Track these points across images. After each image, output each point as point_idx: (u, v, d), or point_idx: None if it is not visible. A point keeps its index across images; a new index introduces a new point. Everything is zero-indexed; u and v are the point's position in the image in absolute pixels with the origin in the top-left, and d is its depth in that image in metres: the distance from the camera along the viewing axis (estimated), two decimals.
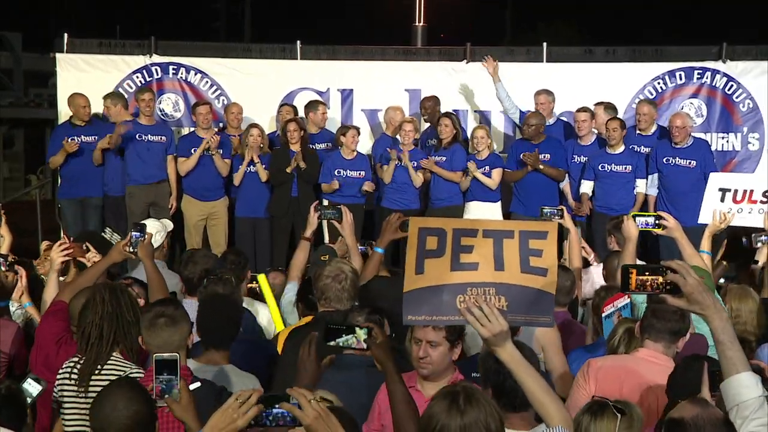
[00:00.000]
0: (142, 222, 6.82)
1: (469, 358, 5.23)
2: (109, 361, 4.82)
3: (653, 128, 10.89)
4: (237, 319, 5.41)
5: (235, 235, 11.07)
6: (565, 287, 6.18)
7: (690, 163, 10.32)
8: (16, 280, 6.43)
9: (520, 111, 11.12)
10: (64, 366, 4.87)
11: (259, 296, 7.29)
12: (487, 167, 10.67)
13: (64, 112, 11.85)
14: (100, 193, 11.16)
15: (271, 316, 6.83)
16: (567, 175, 10.86)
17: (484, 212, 10.64)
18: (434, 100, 11.40)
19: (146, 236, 6.17)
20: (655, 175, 10.46)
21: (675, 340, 4.78)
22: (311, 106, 11.37)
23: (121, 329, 4.88)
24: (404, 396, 3.83)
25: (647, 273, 3.28)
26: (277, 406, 3.03)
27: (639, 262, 6.25)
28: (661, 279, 3.25)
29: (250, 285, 7.40)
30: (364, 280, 6.45)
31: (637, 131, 10.93)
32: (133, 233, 6.13)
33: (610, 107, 11.01)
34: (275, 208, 10.90)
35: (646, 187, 10.50)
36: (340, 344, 3.82)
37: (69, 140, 10.78)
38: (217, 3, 34.43)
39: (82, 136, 11.05)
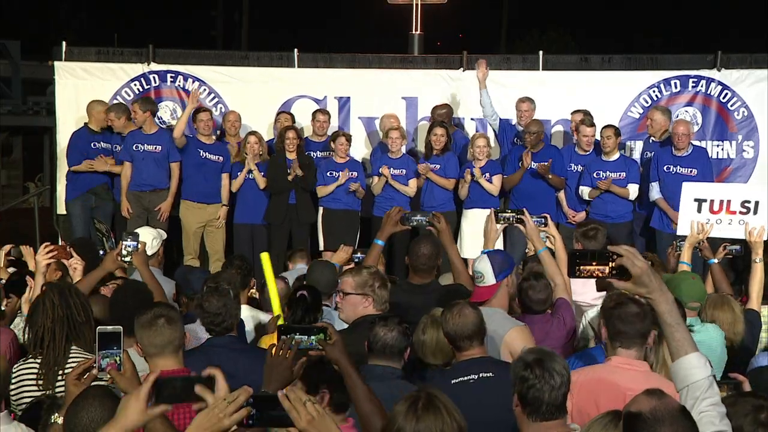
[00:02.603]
0: (135, 231, 6.88)
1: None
2: (71, 356, 4.96)
3: (665, 135, 10.87)
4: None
5: (234, 241, 11.11)
6: (540, 300, 6.18)
7: (691, 171, 10.33)
8: (18, 305, 6.47)
9: (500, 119, 11.20)
10: (18, 370, 4.98)
11: (260, 305, 7.30)
12: (487, 174, 10.73)
13: (62, 120, 11.93)
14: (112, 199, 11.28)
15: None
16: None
17: (482, 219, 10.65)
18: (448, 109, 11.43)
19: (140, 245, 6.25)
20: (657, 183, 10.51)
21: (645, 341, 4.79)
22: (313, 114, 11.46)
23: (73, 330, 5.03)
24: (366, 394, 3.82)
25: (594, 262, 3.29)
26: (278, 408, 2.95)
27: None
28: (608, 266, 3.27)
29: (251, 293, 7.42)
30: None
31: (651, 139, 10.99)
32: (126, 242, 6.19)
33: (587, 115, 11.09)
34: (272, 215, 10.94)
35: (637, 191, 10.56)
36: (293, 344, 3.87)
37: (103, 157, 11.09)
38: (215, 11, 34.48)
39: (101, 143, 11.19)
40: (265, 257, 6.78)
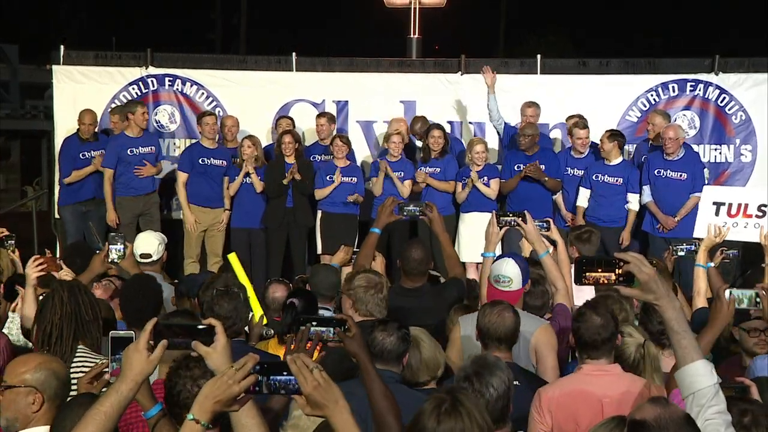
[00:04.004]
0: (121, 233, 6.90)
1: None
2: (76, 356, 4.97)
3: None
4: (157, 299, 5.92)
5: (231, 246, 11.10)
6: (535, 306, 6.18)
7: (681, 175, 10.35)
8: (6, 309, 6.49)
9: (505, 123, 11.20)
10: None
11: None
12: (485, 177, 10.74)
13: (60, 124, 11.95)
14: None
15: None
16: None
17: (480, 223, 10.66)
18: (423, 120, 11.41)
19: (128, 247, 6.26)
20: (648, 187, 10.52)
21: (612, 347, 4.83)
22: (316, 118, 11.47)
23: (81, 328, 5.04)
24: (382, 390, 3.82)
25: (600, 269, 3.30)
26: (285, 373, 2.96)
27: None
28: (615, 273, 3.27)
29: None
30: (362, 259, 6.56)
31: (650, 142, 10.99)
32: (114, 245, 6.19)
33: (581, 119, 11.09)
34: (270, 219, 10.94)
35: (638, 202, 10.53)
36: (312, 334, 3.85)
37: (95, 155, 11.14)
38: (213, 14, 34.47)
39: (92, 151, 11.21)
40: (233, 258, 6.79)
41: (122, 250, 6.23)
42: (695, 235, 8.28)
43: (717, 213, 8.30)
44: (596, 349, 4.75)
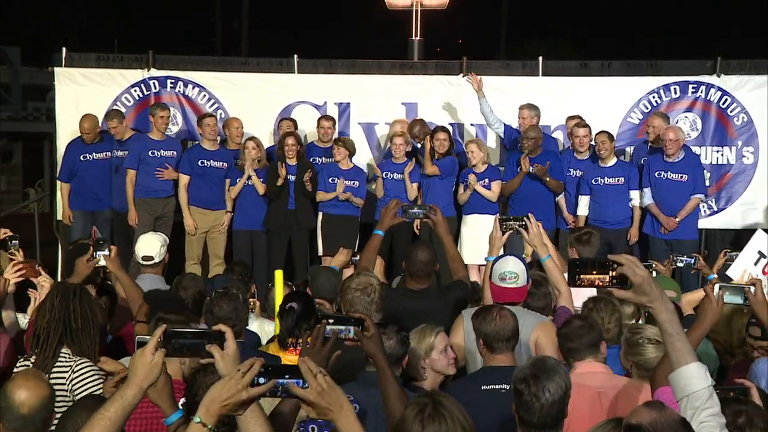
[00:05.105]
0: (103, 237, 6.90)
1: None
2: (59, 361, 5.04)
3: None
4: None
5: (233, 248, 11.12)
6: (537, 308, 6.20)
7: (682, 177, 10.36)
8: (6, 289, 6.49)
9: (504, 125, 11.20)
10: (16, 370, 5.03)
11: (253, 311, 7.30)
12: (486, 180, 10.74)
13: (62, 126, 11.95)
14: (110, 206, 11.30)
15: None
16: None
17: (482, 225, 10.68)
18: (421, 123, 11.43)
19: (112, 250, 6.27)
20: (649, 189, 10.51)
21: (597, 349, 4.95)
22: (318, 121, 11.47)
23: (68, 335, 5.08)
24: (398, 392, 3.85)
25: (594, 271, 3.30)
26: (287, 377, 2.93)
27: None
28: (608, 275, 3.28)
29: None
30: (365, 262, 6.55)
31: (649, 144, 10.99)
32: (100, 252, 6.19)
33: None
34: (271, 221, 10.95)
35: (639, 198, 10.55)
36: (328, 331, 3.83)
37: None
38: (214, 16, 34.46)
39: (94, 153, 11.20)
40: (278, 275, 6.78)
41: (108, 255, 6.24)
42: (728, 273, 8.12)
43: (756, 263, 8.16)
44: (579, 351, 4.92)
